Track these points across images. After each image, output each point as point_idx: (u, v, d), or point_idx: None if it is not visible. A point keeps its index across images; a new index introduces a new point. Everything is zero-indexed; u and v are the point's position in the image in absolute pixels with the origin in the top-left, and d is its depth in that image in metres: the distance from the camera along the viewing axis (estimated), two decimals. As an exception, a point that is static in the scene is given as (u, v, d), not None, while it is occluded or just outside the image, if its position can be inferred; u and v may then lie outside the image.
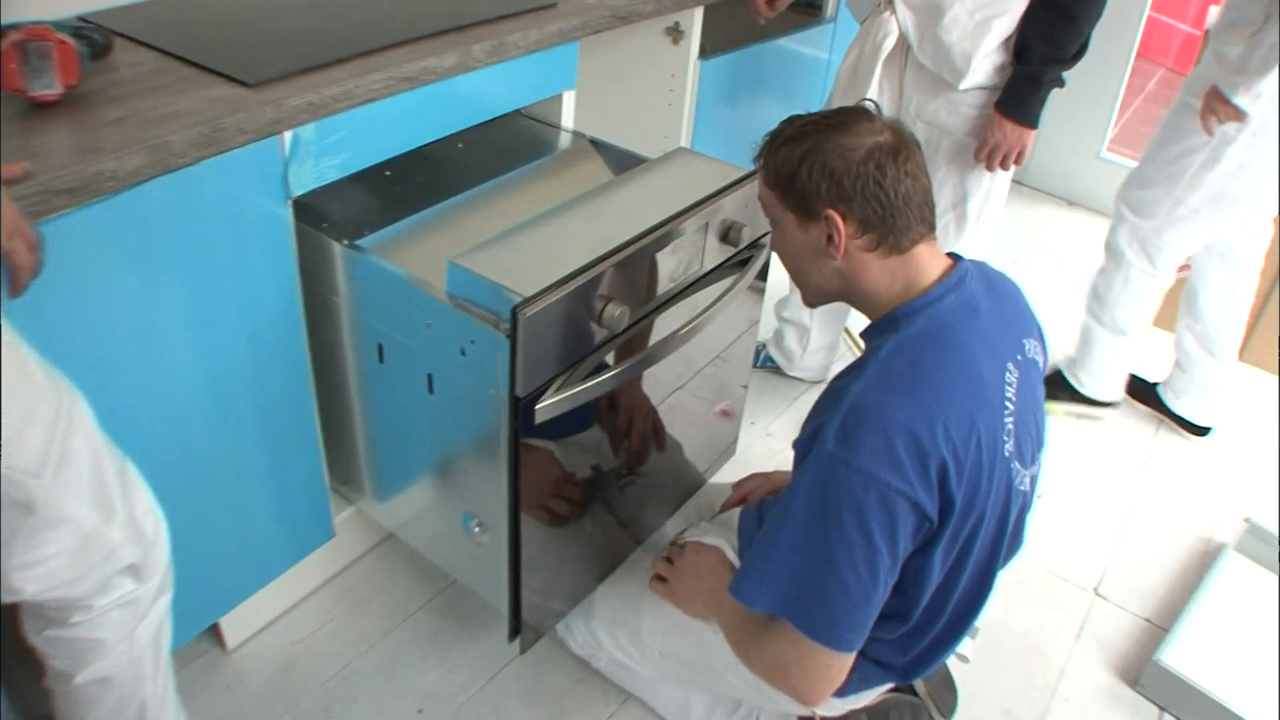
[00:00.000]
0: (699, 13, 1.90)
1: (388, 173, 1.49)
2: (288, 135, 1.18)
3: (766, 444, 2.18)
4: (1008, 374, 1.09)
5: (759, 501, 1.45)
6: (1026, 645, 1.75)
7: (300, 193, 1.24)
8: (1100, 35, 1.68)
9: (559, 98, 1.66)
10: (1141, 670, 1.69)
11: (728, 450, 1.87)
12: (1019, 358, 1.12)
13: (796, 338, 2.28)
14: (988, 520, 1.09)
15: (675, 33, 1.93)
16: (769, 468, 2.11)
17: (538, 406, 1.17)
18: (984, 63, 1.69)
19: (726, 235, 1.41)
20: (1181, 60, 5.30)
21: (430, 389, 1.29)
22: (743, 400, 1.84)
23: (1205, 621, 1.76)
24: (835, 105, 1.91)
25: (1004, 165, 1.76)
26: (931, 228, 1.10)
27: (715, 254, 1.42)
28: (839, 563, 1.02)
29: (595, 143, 1.67)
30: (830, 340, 2.28)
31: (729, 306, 1.44)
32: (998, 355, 1.08)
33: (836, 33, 2.47)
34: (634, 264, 1.24)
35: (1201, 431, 2.34)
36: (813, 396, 2.38)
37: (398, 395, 1.36)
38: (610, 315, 1.18)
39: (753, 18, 1.89)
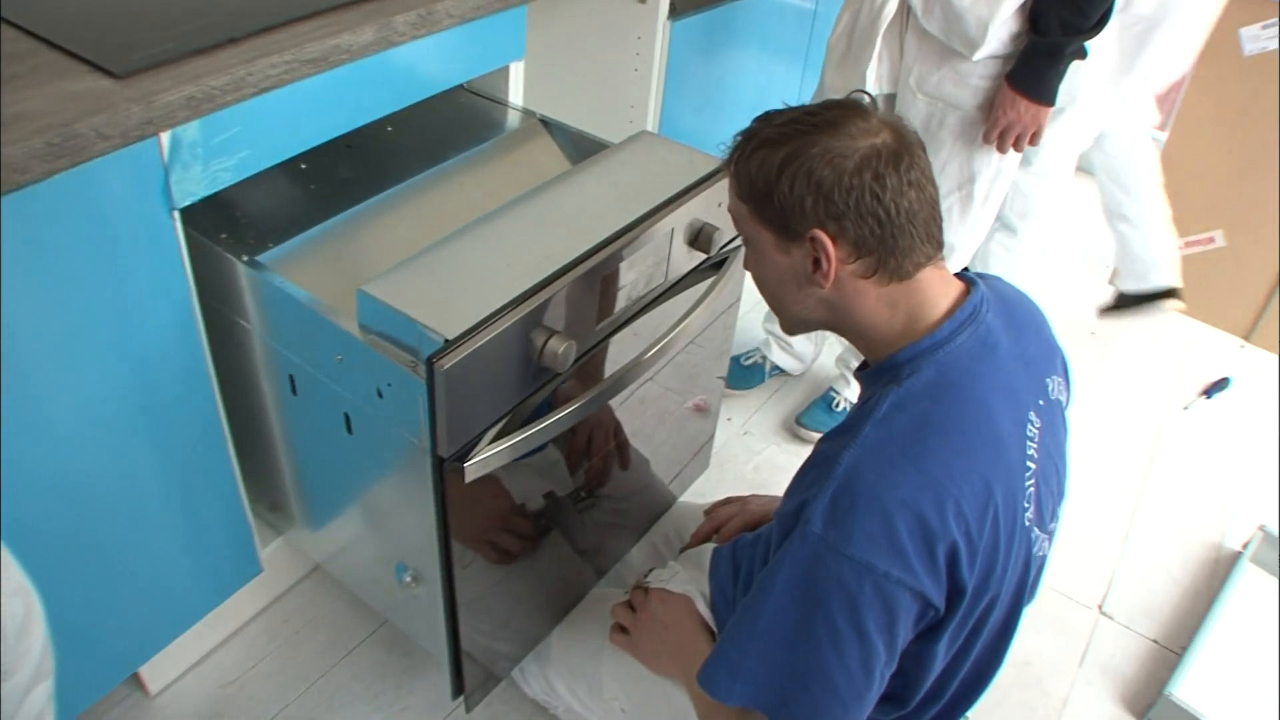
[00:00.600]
0: (668, -33, 1.68)
1: (303, 165, 1.29)
2: (165, 137, 0.98)
3: (744, 443, 2.01)
4: (1029, 426, 0.91)
5: (733, 540, 1.28)
6: (1025, 675, 1.61)
7: (188, 202, 1.04)
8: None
9: (505, 70, 1.45)
10: (1151, 703, 1.55)
11: (701, 457, 1.70)
12: (1041, 402, 0.95)
13: (799, 337, 2.10)
14: (1002, 600, 0.93)
15: (642, -10, 1.71)
16: (748, 469, 1.97)
17: (467, 465, 0.99)
18: (1000, 30, 1.48)
19: (696, 240, 1.22)
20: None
21: (349, 428, 1.11)
22: (719, 394, 1.66)
23: (1219, 645, 1.62)
24: (828, 82, 1.70)
25: (1016, 146, 1.56)
26: (939, 247, 0.91)
27: (684, 260, 1.23)
28: (827, 661, 0.86)
29: (547, 123, 1.46)
30: None
31: (703, 313, 1.26)
32: (1019, 405, 0.91)
33: (823, -14, 2.25)
34: (583, 286, 1.05)
35: (1172, 294, 2.31)
36: (793, 388, 2.25)
37: (316, 431, 1.18)
38: (553, 352, 1.00)
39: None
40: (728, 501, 1.44)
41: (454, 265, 1.02)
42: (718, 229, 1.21)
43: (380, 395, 1.01)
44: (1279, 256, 2.30)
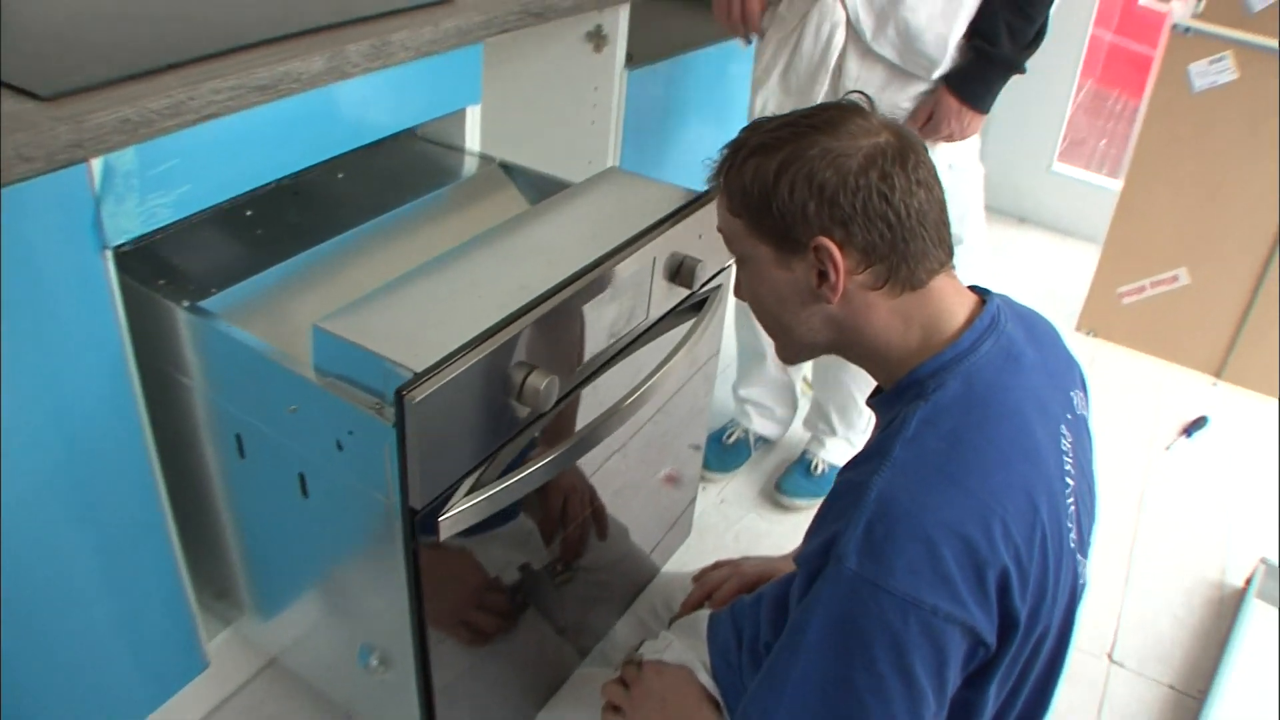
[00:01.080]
0: (624, 14, 1.64)
1: (249, 212, 1.19)
2: (97, 164, 0.89)
3: (722, 511, 1.91)
4: (1063, 440, 0.83)
5: (731, 604, 1.16)
6: (1044, 733, 1.50)
7: (122, 240, 0.94)
8: (1046, 45, 1.49)
9: (461, 115, 1.38)
10: (1178, 755, 1.45)
11: (682, 524, 1.60)
12: (1069, 416, 0.87)
13: (776, 399, 1.99)
14: (1051, 634, 0.83)
15: (598, 38, 1.66)
16: (728, 537, 1.86)
17: (442, 519, 0.88)
18: (954, 45, 1.45)
19: (678, 273, 1.14)
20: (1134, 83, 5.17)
21: (304, 491, 0.99)
22: (696, 462, 1.57)
23: (1239, 688, 1.53)
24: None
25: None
26: (950, 253, 0.84)
27: (665, 297, 1.15)
28: (871, 713, 0.75)
29: (507, 167, 1.39)
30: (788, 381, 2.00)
31: (684, 358, 1.17)
32: (1051, 418, 0.83)
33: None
34: (561, 319, 0.96)
35: None
36: (766, 452, 2.15)
37: (267, 499, 1.06)
38: (533, 389, 0.90)
39: (686, 22, 1.63)
40: (718, 565, 1.33)
41: (420, 299, 0.92)
42: (700, 261, 1.14)
43: (340, 448, 0.90)
44: (1245, 290, 2.30)
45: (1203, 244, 2.32)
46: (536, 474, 0.96)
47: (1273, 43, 2.08)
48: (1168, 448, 2.22)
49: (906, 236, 0.79)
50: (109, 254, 0.93)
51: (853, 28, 1.47)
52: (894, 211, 0.79)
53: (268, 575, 1.19)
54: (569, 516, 1.20)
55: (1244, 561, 1.88)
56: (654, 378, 1.12)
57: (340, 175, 1.31)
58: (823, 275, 0.81)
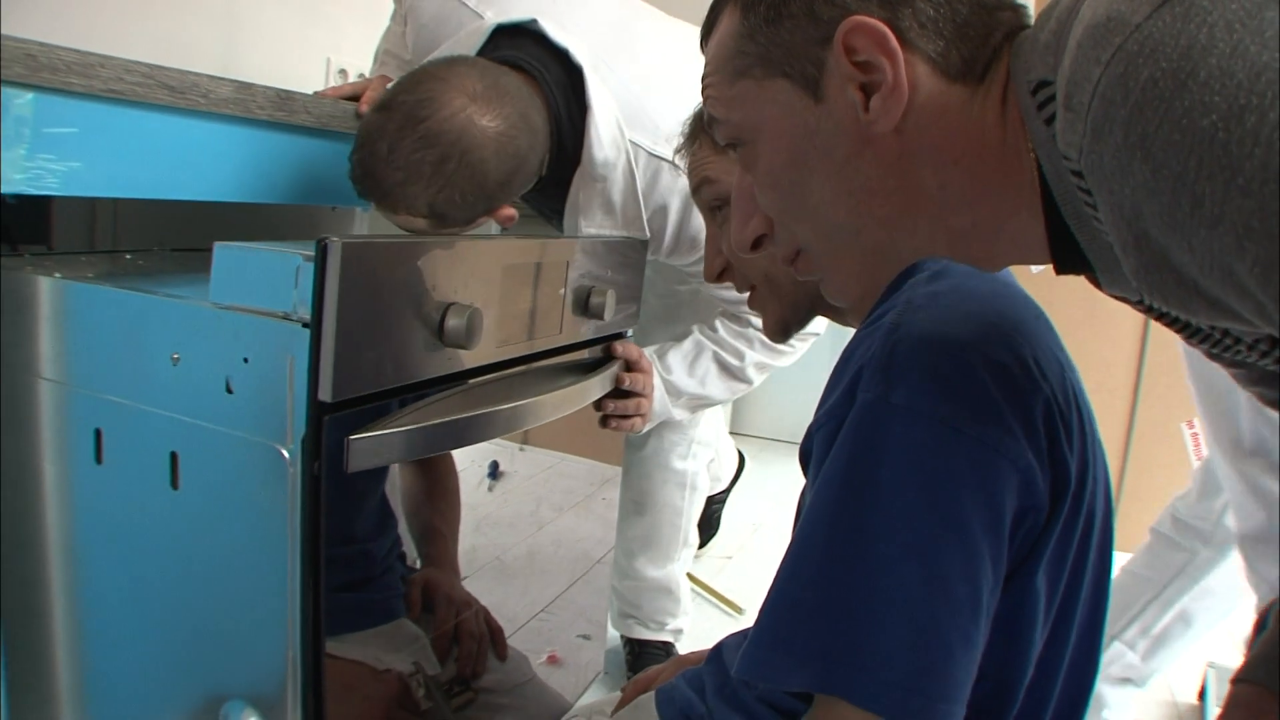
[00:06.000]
0: None
1: (127, 256, 1.13)
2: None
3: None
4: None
5: (680, 673, 0.99)
6: None
7: (4, 191, 0.87)
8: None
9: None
10: None
11: (593, 668, 1.43)
12: None
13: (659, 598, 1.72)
14: (1096, 530, 0.69)
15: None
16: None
17: (353, 438, 0.77)
18: None
19: (587, 304, 1.12)
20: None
21: (174, 481, 0.85)
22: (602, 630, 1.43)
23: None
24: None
25: None
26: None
27: (576, 323, 1.12)
28: (908, 582, 0.57)
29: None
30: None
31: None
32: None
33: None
34: (486, 260, 0.92)
35: None
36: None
37: (123, 509, 0.90)
38: (458, 324, 0.84)
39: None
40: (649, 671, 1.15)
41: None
42: (609, 290, 1.13)
43: (230, 389, 0.80)
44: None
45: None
46: (453, 426, 0.86)
47: None
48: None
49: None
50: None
51: None
52: None
53: (106, 630, 0.97)
54: (463, 631, 1.06)
55: (1192, 674, 1.80)
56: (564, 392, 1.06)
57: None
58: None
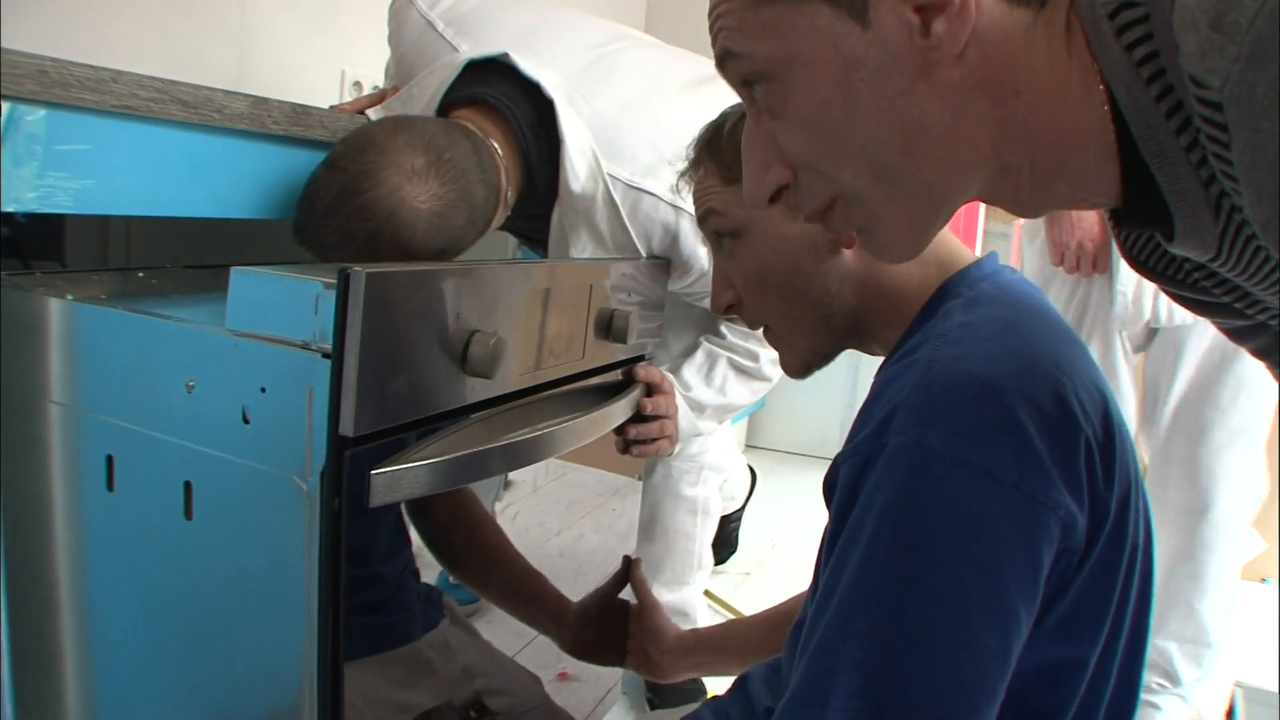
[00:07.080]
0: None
1: (140, 273, 1.11)
2: (3, 107, 0.82)
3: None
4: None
5: (708, 701, 0.97)
6: None
7: (14, 209, 0.84)
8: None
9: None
10: None
11: (607, 687, 1.40)
12: None
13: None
14: (1139, 564, 0.67)
15: None
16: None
17: (375, 473, 0.74)
18: None
19: (609, 326, 1.10)
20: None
21: (188, 509, 0.83)
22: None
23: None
24: None
25: None
26: None
27: (598, 348, 1.10)
28: (941, 636, 0.56)
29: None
30: None
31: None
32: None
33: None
34: (507, 286, 0.89)
35: None
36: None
37: (135, 538, 0.87)
38: (481, 352, 0.81)
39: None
40: None
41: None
42: (631, 313, 1.11)
43: (246, 420, 0.77)
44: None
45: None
46: (477, 459, 0.83)
47: None
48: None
49: None
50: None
51: None
52: None
53: (117, 667, 0.95)
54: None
55: (1221, 692, 1.76)
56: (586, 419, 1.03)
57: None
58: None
